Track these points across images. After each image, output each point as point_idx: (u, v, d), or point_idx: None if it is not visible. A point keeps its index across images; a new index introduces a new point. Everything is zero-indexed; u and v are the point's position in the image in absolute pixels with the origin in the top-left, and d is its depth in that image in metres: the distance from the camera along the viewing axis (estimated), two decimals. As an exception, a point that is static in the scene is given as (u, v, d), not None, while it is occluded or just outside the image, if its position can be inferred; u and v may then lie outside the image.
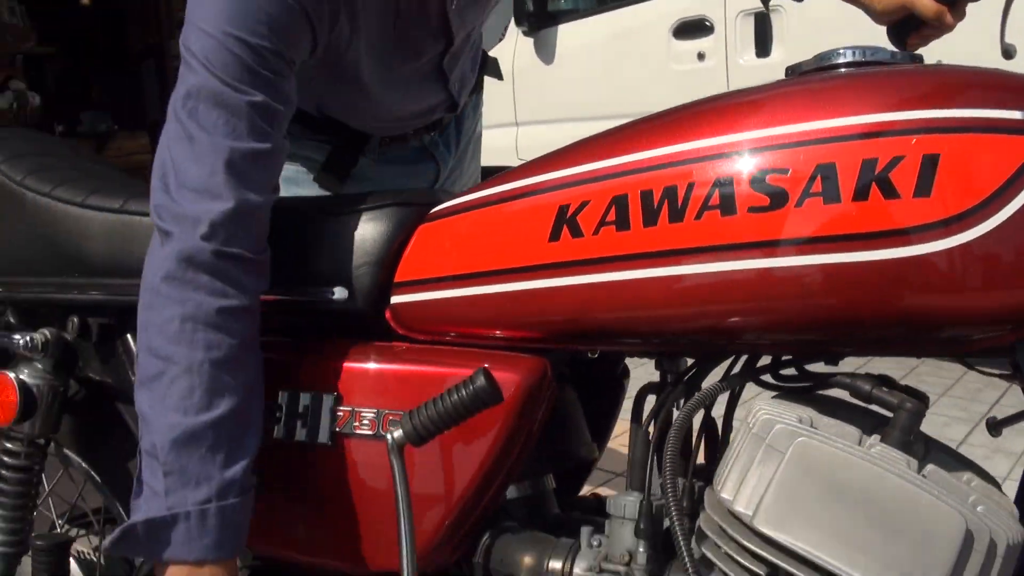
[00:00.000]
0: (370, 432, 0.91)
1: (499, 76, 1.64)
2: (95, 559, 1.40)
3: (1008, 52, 1.13)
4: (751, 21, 3.38)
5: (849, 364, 0.83)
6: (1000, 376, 0.90)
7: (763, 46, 3.38)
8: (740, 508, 0.70)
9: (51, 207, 1.19)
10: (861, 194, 0.70)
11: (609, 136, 0.84)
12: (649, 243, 0.77)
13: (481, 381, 0.78)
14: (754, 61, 3.40)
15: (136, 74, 6.46)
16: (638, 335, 0.83)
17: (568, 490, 1.08)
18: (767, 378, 0.83)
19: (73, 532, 1.45)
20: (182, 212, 0.90)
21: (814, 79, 0.79)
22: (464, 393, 0.78)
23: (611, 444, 1.14)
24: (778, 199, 0.72)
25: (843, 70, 0.80)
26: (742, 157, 0.74)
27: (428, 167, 1.49)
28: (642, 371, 1.00)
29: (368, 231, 0.96)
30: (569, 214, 0.81)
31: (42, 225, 1.20)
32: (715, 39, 3.54)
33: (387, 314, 0.96)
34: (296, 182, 1.41)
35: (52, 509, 1.49)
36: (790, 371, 0.85)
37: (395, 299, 0.95)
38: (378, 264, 0.95)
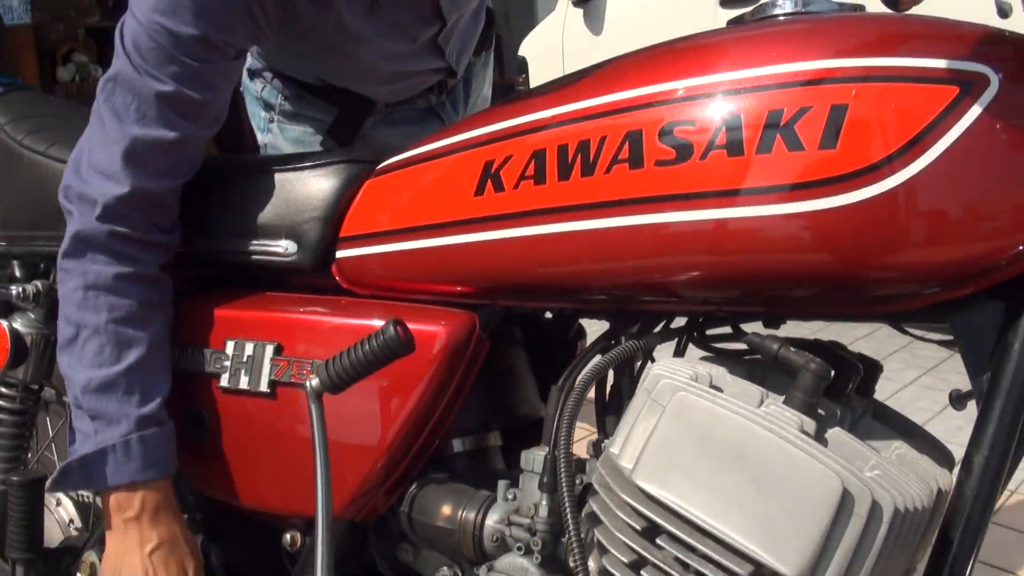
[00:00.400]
0: (304, 382, 0.93)
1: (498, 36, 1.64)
2: (91, 501, 1.45)
3: (1003, 10, 1.10)
4: (798, -9, 3.32)
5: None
6: (940, 343, 0.88)
7: (808, 15, 3.33)
8: (623, 463, 0.70)
9: (45, 164, 1.24)
10: (765, 147, 0.69)
11: (536, 91, 0.84)
12: (562, 197, 0.77)
13: (391, 331, 0.79)
14: (799, 31, 3.35)
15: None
16: (557, 291, 0.83)
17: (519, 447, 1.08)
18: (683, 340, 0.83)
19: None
20: (85, 192, 0.98)
21: (737, 30, 0.78)
22: (375, 343, 0.80)
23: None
24: (684, 152, 0.71)
25: (780, 19, 0.79)
26: (652, 110, 0.74)
27: (434, 127, 1.48)
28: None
29: (316, 187, 0.98)
30: (493, 169, 0.82)
31: (37, 182, 1.24)
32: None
33: (332, 268, 0.97)
34: (303, 143, 1.44)
35: (55, 454, 1.56)
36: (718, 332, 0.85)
37: (340, 253, 0.96)
38: (324, 219, 0.97)
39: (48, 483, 1.01)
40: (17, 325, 1.29)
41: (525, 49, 4.73)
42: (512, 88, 4.80)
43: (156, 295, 1.01)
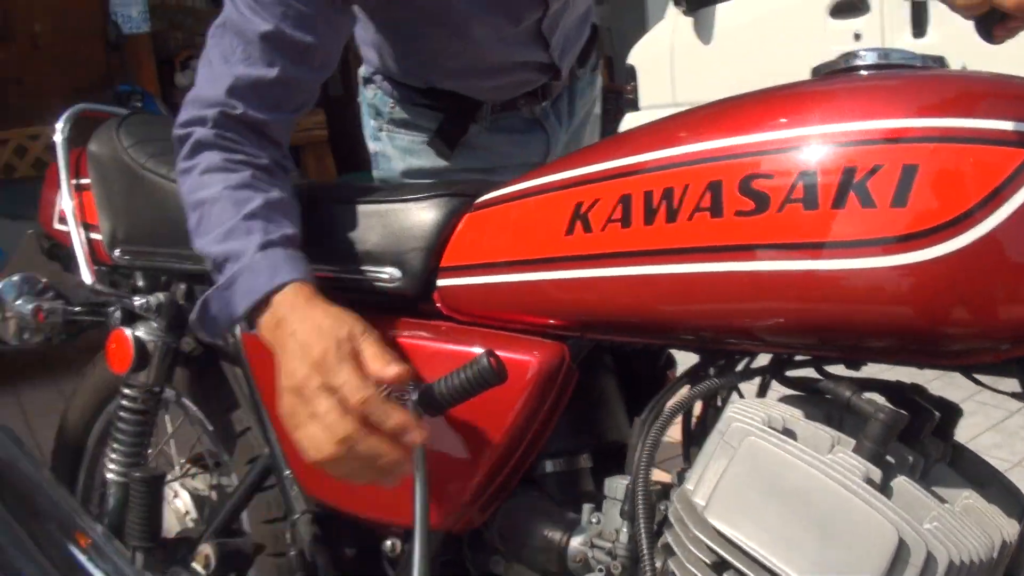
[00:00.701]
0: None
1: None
2: (208, 495, 1.56)
3: None
4: (907, 3, 3.26)
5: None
6: (1012, 395, 0.88)
7: (919, 27, 3.26)
8: (697, 499, 0.74)
9: (166, 187, 1.33)
10: (839, 202, 0.72)
11: (625, 136, 0.89)
12: (646, 241, 0.81)
13: (484, 363, 0.85)
14: (910, 41, 3.28)
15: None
16: (640, 329, 0.87)
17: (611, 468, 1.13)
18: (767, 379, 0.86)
19: (193, 471, 1.62)
20: (196, 115, 1.06)
21: (818, 83, 0.81)
22: (469, 372, 0.86)
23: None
24: (762, 204, 0.75)
25: (862, 72, 0.82)
26: (733, 161, 0.77)
27: (538, 138, 1.54)
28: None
29: (420, 218, 1.04)
30: (583, 211, 0.87)
31: (159, 203, 1.35)
32: (870, 19, 3.43)
33: (434, 296, 1.04)
34: (411, 152, 1.50)
35: (174, 450, 1.67)
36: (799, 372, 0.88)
37: (440, 282, 1.02)
38: (427, 249, 1.03)
39: (190, 322, 1.06)
40: (140, 333, 1.40)
41: (634, 57, 4.74)
42: (620, 95, 4.82)
43: (269, 180, 1.05)
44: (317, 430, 0.86)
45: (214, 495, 1.57)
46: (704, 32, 4.31)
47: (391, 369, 0.88)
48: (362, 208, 1.10)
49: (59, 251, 1.75)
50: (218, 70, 1.05)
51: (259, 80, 1.04)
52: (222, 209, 1.01)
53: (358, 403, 0.84)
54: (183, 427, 1.61)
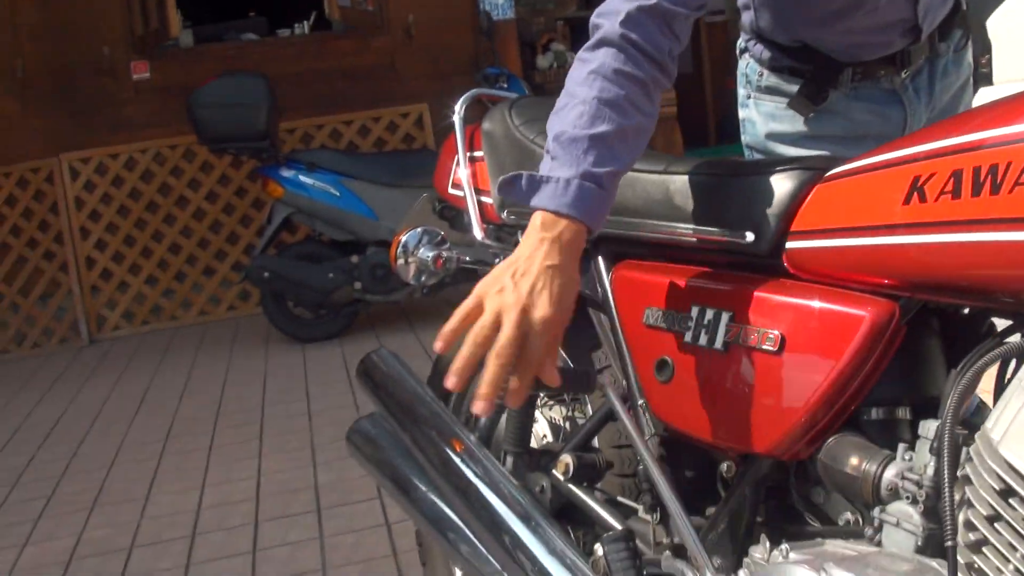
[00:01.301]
0: (752, 344, 1.18)
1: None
2: (562, 425, 1.83)
3: None
4: None
5: None
6: None
7: None
8: (993, 435, 0.87)
9: None
10: None
11: (958, 119, 1.02)
12: (973, 212, 0.94)
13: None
14: None
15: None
16: (966, 291, 1.00)
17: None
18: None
19: (551, 403, 1.90)
20: (613, 8, 1.24)
21: None
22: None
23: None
24: None
25: None
26: None
27: (896, 111, 1.64)
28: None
29: (774, 187, 1.21)
30: (920, 183, 1.01)
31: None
32: None
33: (783, 257, 1.21)
34: (774, 117, 1.69)
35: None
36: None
37: (790, 244, 1.19)
38: (780, 215, 1.20)
39: (498, 183, 1.25)
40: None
41: (990, 27, 4.45)
42: (975, 68, 4.58)
43: (644, 100, 1.22)
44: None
45: (567, 424, 1.84)
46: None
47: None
48: (726, 180, 1.29)
49: (449, 212, 2.10)
50: None
51: None
52: (580, 115, 1.18)
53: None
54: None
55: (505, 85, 5.04)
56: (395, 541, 2.74)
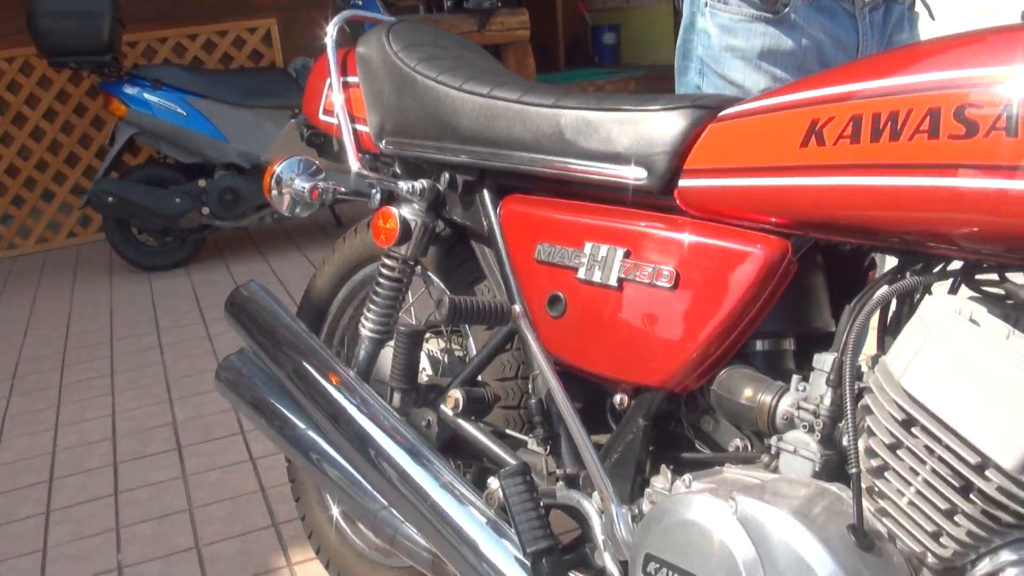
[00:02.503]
0: (646, 280, 1.20)
1: None
2: (441, 358, 1.82)
3: None
4: None
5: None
6: None
7: None
8: (894, 369, 0.91)
9: (436, 89, 1.56)
10: None
11: (858, 64, 1.04)
12: (871, 156, 0.97)
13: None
14: None
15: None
16: (857, 231, 1.03)
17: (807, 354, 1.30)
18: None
19: (429, 336, 1.88)
20: None
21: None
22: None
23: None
24: (972, 129, 0.90)
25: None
26: (951, 92, 0.92)
27: (850, 38, 1.64)
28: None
29: (667, 125, 1.22)
30: (818, 127, 1.03)
31: (428, 103, 1.57)
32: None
33: (675, 193, 1.22)
34: (729, 30, 1.65)
35: (414, 317, 1.94)
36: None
37: (683, 182, 1.21)
38: (672, 153, 1.21)
39: None
40: (404, 212, 1.64)
41: None
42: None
43: None
44: None
45: (446, 357, 1.83)
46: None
47: None
48: (614, 115, 1.29)
49: (317, 139, 2.03)
50: None
51: None
52: None
53: None
54: (423, 298, 1.87)
55: (360, 2, 4.87)
56: (261, 476, 2.69)
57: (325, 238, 5.38)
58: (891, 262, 1.12)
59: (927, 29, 1.67)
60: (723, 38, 1.64)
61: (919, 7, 1.76)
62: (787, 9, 1.57)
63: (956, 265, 1.06)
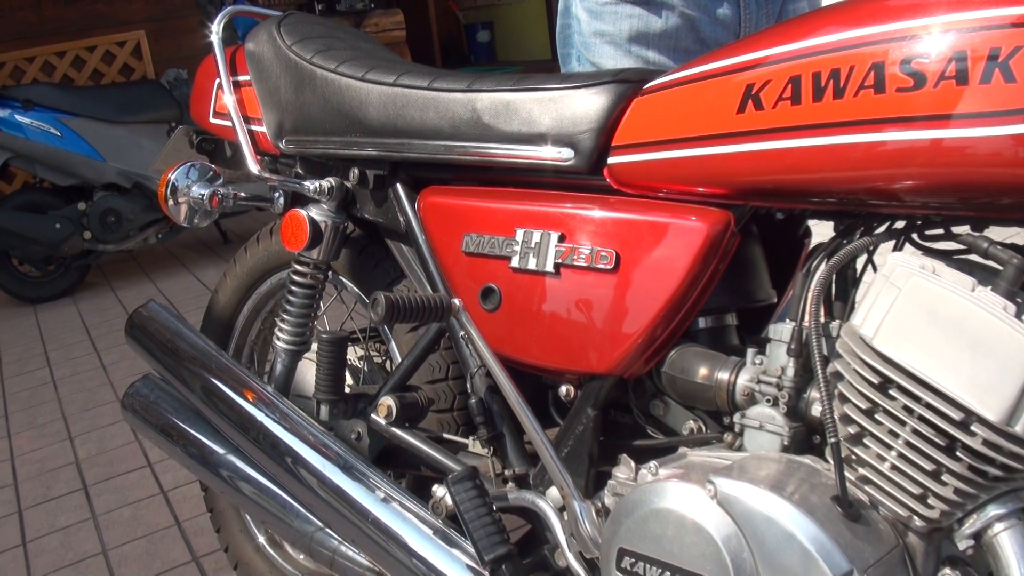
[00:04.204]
0: (585, 264, 1.14)
1: None
2: (360, 367, 1.74)
3: None
4: None
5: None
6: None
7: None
8: (864, 331, 0.88)
9: (337, 81, 1.47)
10: (985, 78, 0.83)
11: (791, 24, 1.00)
12: (815, 116, 0.93)
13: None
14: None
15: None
16: (800, 194, 1.00)
17: (752, 329, 1.27)
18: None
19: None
20: None
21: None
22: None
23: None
24: (920, 80, 0.87)
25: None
26: (894, 44, 0.88)
27: (730, 11, 1.59)
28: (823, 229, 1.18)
29: (592, 102, 1.17)
30: (755, 91, 0.99)
31: (329, 96, 1.48)
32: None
33: (604, 172, 1.17)
34: (596, 14, 1.60)
35: (326, 326, 1.85)
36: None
37: (612, 160, 1.15)
38: (599, 130, 1.16)
39: None
40: (313, 214, 1.55)
41: None
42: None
43: None
44: None
45: (366, 365, 1.74)
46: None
47: None
48: (534, 95, 1.22)
49: (208, 145, 1.92)
50: None
51: None
52: None
53: None
54: (335, 304, 1.78)
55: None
56: (175, 509, 2.55)
57: (214, 256, 5.19)
58: (827, 227, 1.09)
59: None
60: (592, 23, 1.59)
61: None
62: None
63: (900, 224, 1.03)
